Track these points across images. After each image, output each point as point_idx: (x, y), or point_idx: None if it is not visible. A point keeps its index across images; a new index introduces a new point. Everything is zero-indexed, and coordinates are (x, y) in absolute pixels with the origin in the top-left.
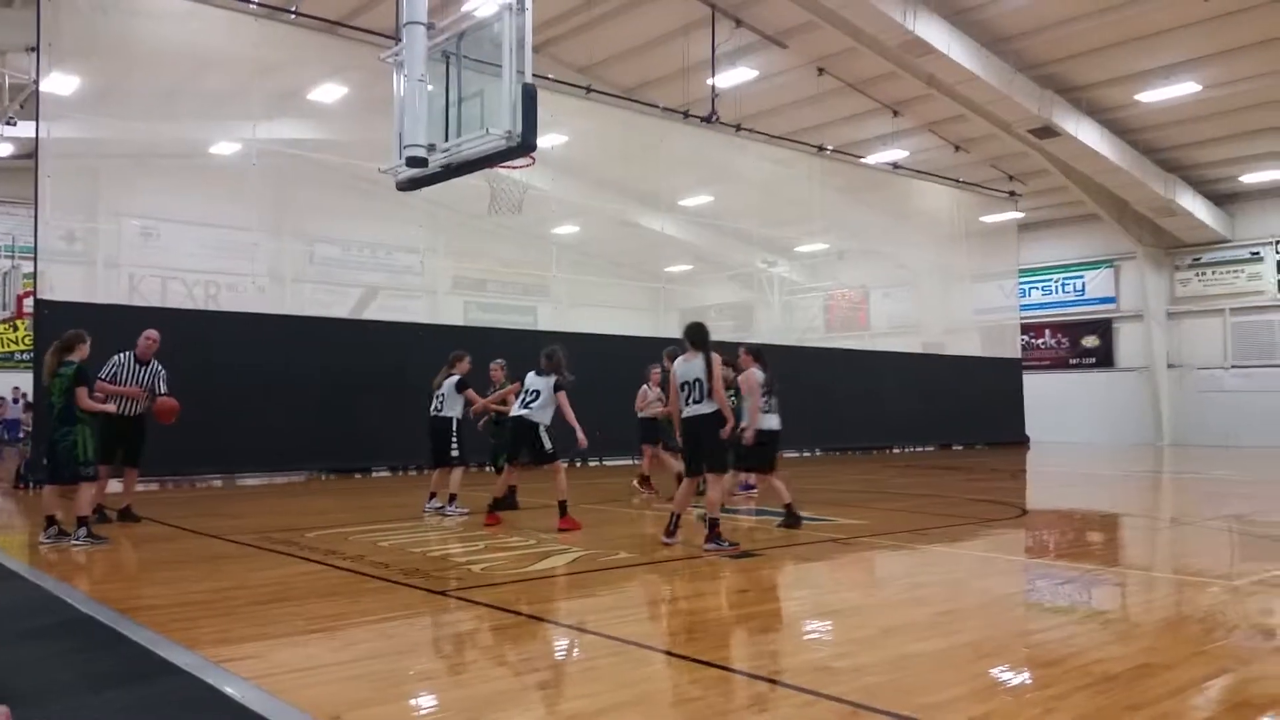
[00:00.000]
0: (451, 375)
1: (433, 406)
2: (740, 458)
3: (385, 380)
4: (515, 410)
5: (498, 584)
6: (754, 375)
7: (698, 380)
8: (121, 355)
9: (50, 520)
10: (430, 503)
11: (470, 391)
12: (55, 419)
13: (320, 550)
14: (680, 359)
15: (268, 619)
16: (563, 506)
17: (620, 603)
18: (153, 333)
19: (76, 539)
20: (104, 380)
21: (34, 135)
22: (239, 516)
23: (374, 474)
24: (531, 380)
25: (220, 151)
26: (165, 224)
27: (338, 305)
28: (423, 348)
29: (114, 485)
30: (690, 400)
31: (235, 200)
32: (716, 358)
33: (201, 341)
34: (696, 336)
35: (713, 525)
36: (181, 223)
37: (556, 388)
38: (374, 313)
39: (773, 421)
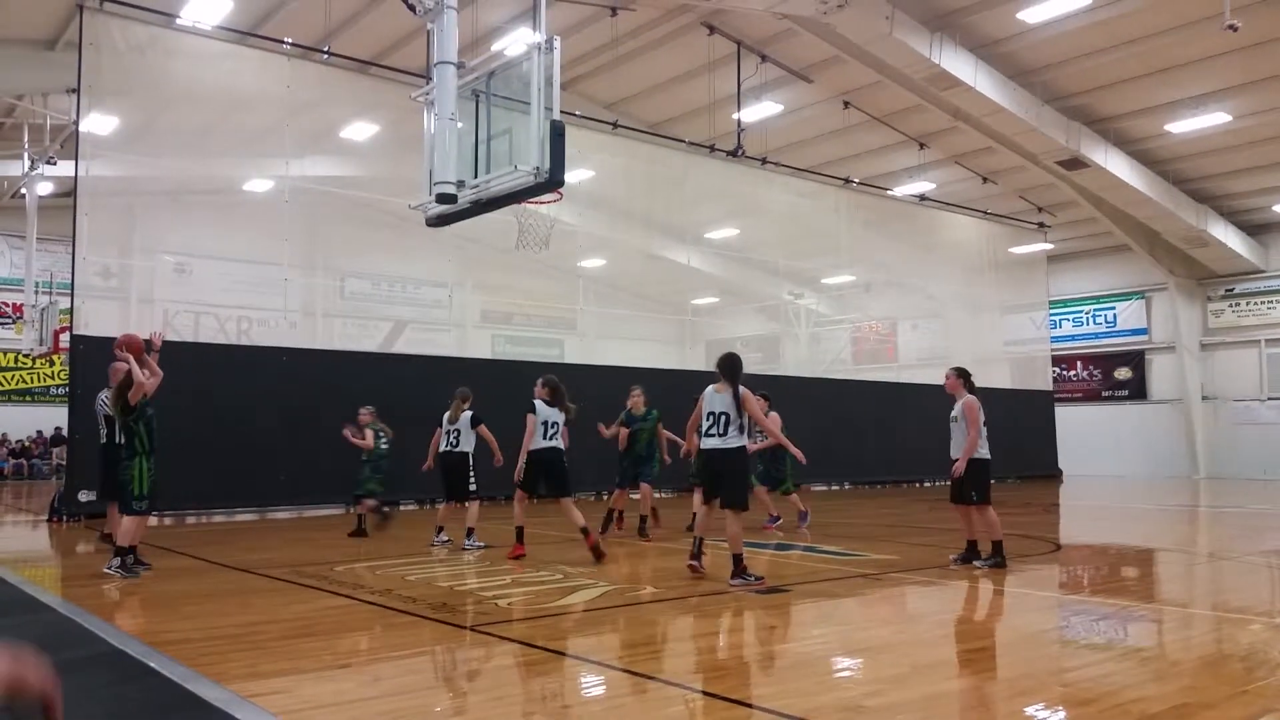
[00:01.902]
0: (465, 411)
1: (446, 442)
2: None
3: (414, 414)
4: (540, 443)
5: (524, 619)
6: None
7: (724, 414)
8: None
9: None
10: (438, 536)
11: (484, 427)
12: (123, 450)
13: (348, 584)
14: (710, 389)
15: (296, 653)
16: (585, 531)
17: (647, 638)
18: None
19: (109, 568)
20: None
21: (73, 174)
22: (269, 550)
23: (402, 507)
24: (550, 413)
25: (253, 189)
26: (198, 260)
27: (367, 339)
28: (450, 381)
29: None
30: (713, 432)
31: (267, 236)
32: (746, 392)
33: (233, 376)
34: (729, 369)
35: (737, 560)
36: (214, 259)
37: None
38: (403, 346)
39: None
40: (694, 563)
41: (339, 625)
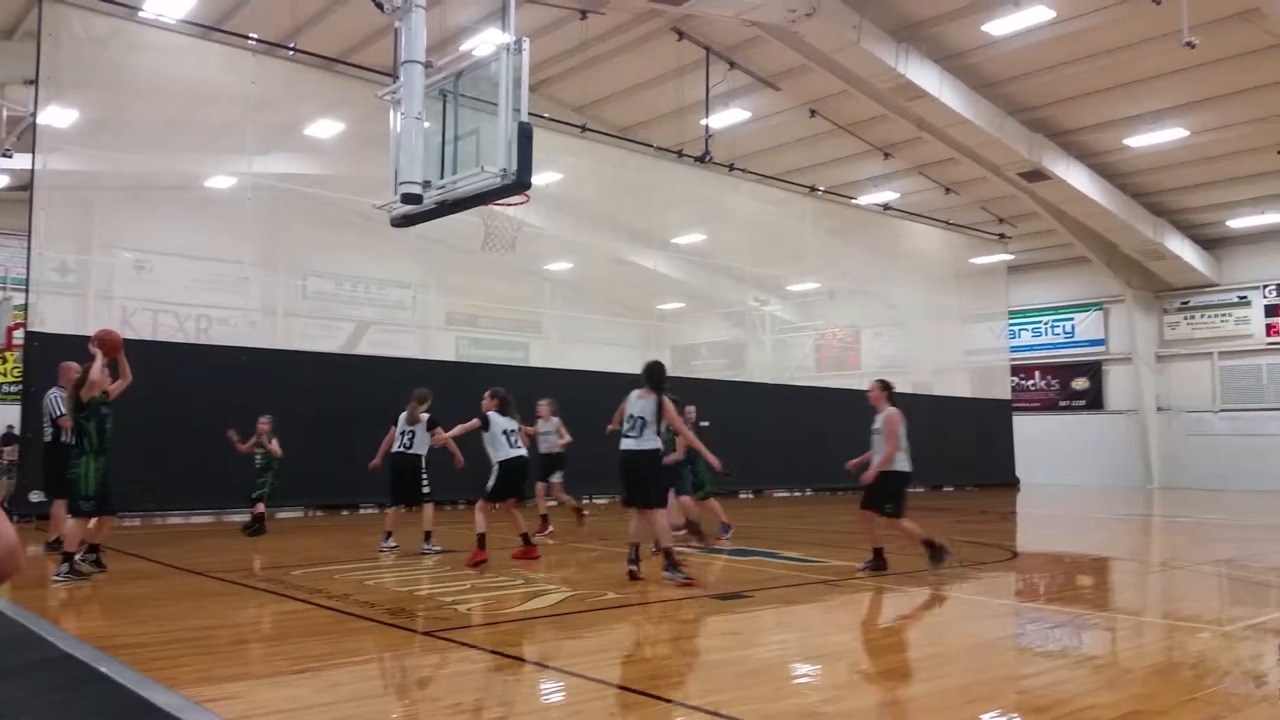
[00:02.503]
0: (423, 414)
1: (400, 444)
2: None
3: (374, 416)
4: (509, 452)
5: (484, 625)
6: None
7: (643, 418)
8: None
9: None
10: (386, 541)
11: (440, 431)
12: (72, 450)
13: (305, 589)
14: (634, 394)
15: (250, 658)
16: (525, 537)
17: (607, 644)
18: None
19: (58, 576)
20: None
21: (30, 167)
22: (225, 553)
23: (362, 510)
24: (506, 421)
25: (215, 185)
26: (158, 257)
27: (329, 340)
28: (413, 383)
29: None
30: (631, 434)
31: (229, 234)
32: (668, 400)
33: (192, 375)
34: (655, 377)
35: (668, 554)
36: (175, 255)
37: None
38: (365, 347)
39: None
40: (633, 568)
41: (294, 630)
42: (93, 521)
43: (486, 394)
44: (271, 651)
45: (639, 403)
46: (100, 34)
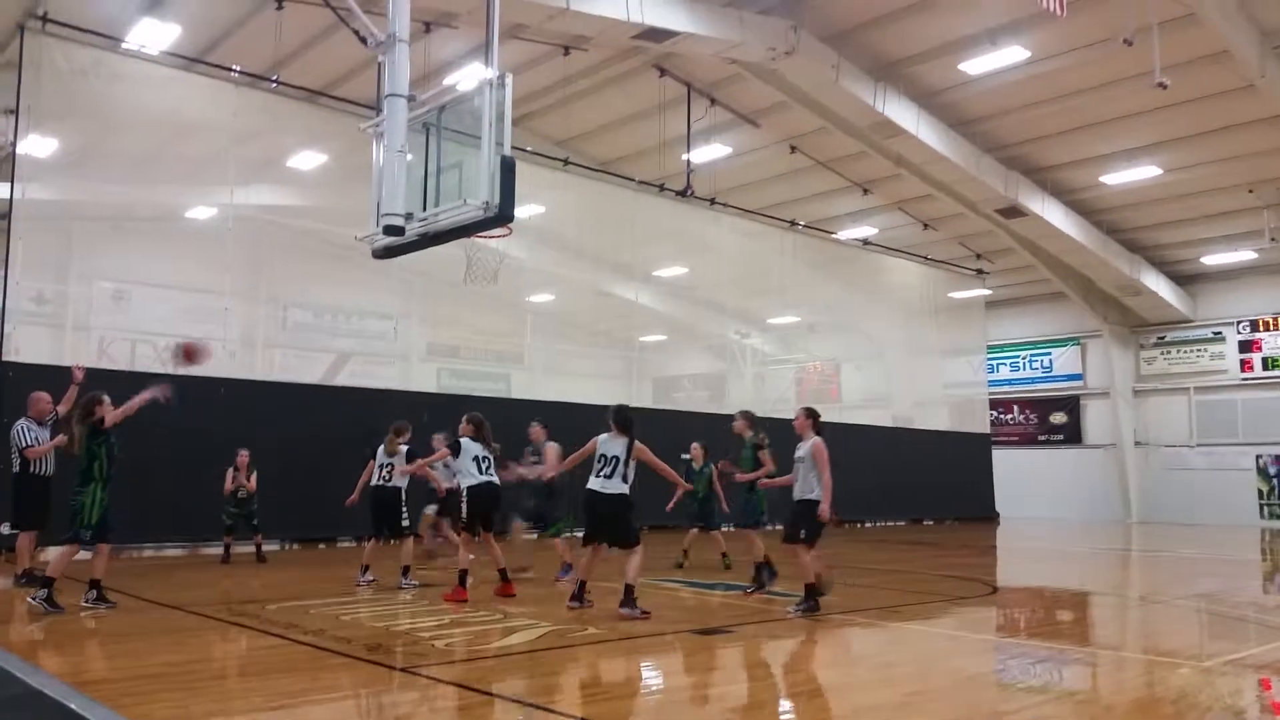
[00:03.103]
0: (401, 446)
1: (379, 477)
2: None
3: (353, 447)
4: (478, 478)
5: (463, 660)
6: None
7: (616, 458)
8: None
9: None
10: (364, 575)
11: (419, 462)
12: (79, 476)
13: (281, 624)
14: (606, 436)
15: (227, 694)
16: (502, 573)
17: (587, 681)
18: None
19: (87, 600)
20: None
21: (8, 196)
22: (201, 587)
23: (339, 544)
24: (477, 447)
25: (196, 216)
26: (137, 287)
27: (309, 371)
28: (393, 415)
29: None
30: (601, 474)
31: (209, 264)
32: (639, 444)
33: (169, 407)
34: (623, 420)
35: (628, 590)
36: (154, 286)
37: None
38: (345, 379)
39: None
40: (573, 604)
41: (272, 666)
42: (85, 554)
43: (464, 419)
44: (248, 687)
45: (610, 443)
46: (82, 64)
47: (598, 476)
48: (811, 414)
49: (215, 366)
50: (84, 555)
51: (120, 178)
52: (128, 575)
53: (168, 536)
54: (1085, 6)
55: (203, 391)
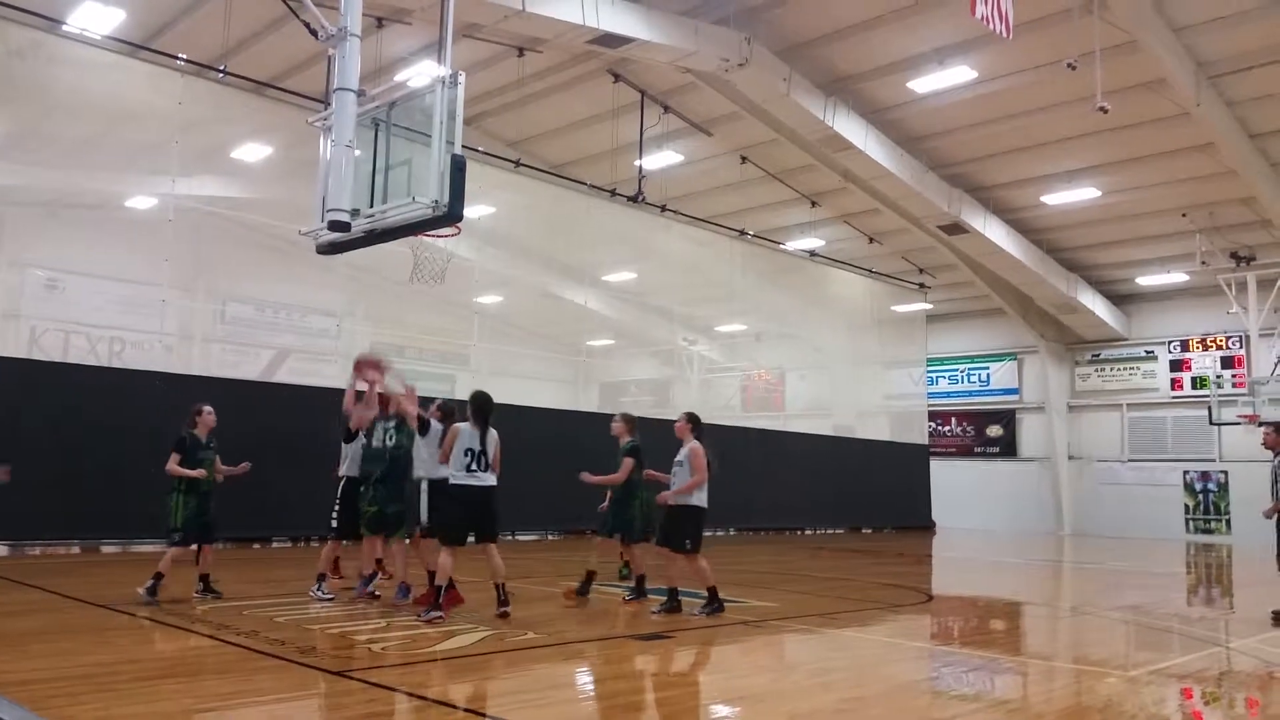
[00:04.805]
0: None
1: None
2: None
3: (292, 445)
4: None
5: (399, 665)
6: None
7: (483, 451)
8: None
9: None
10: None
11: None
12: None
13: (212, 624)
14: (467, 427)
15: (154, 696)
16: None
17: (525, 685)
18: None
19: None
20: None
21: None
22: (129, 585)
23: (274, 544)
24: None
25: (135, 205)
26: (72, 276)
27: (248, 366)
28: (333, 414)
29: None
30: (474, 468)
31: (147, 255)
32: (494, 434)
33: (103, 400)
34: (483, 409)
35: (439, 591)
36: (89, 276)
37: None
38: (285, 375)
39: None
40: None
41: (201, 667)
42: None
43: (432, 404)
44: (176, 689)
45: (475, 435)
46: (18, 45)
47: (471, 470)
48: (692, 419)
49: (151, 360)
50: None
51: (57, 163)
52: (52, 571)
53: (102, 533)
54: (1031, 30)
55: (137, 385)
